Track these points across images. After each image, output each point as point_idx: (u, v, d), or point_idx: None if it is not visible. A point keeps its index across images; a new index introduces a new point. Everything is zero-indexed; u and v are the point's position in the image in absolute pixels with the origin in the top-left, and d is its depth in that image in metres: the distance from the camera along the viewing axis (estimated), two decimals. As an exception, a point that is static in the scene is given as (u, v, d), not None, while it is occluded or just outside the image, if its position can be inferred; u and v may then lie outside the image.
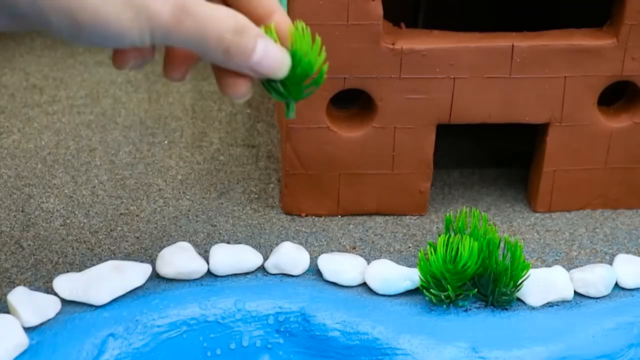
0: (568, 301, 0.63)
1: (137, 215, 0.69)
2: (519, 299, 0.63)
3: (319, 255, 0.65)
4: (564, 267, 0.66)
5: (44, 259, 0.65)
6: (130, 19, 0.46)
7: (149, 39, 0.47)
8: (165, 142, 0.79)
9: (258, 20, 0.52)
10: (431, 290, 0.61)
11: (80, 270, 0.62)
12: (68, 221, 0.68)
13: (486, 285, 0.62)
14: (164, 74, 0.53)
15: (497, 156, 0.79)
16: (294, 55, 0.53)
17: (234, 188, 0.73)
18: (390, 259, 0.66)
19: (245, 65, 0.51)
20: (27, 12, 0.46)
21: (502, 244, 0.66)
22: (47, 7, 0.45)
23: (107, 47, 0.48)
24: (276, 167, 0.76)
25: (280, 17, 0.53)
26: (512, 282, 0.61)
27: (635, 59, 0.66)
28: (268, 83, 0.54)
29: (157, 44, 0.48)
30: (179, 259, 0.63)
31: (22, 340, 0.56)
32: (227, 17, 0.50)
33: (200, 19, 0.48)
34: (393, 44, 0.64)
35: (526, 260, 0.62)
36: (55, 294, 0.60)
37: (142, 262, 0.63)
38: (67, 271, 0.63)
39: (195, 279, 0.63)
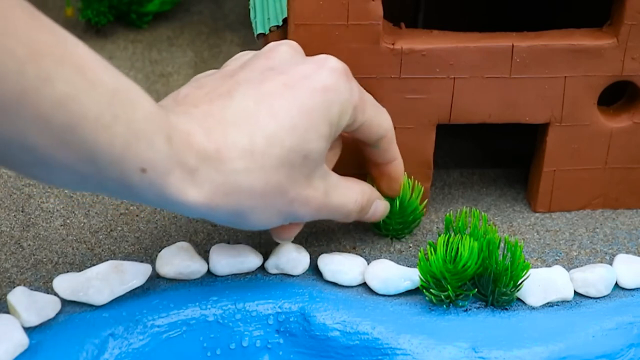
0: (568, 301, 0.63)
1: (137, 215, 0.69)
2: (519, 299, 0.63)
3: (319, 255, 0.65)
4: (564, 267, 0.66)
5: (44, 259, 0.65)
6: (277, 222, 0.57)
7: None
8: (165, 142, 0.78)
9: (380, 165, 0.64)
10: (431, 290, 0.61)
11: (80, 270, 0.62)
12: (68, 221, 0.68)
13: (486, 285, 0.62)
14: (273, 233, 0.62)
15: (497, 156, 0.79)
16: (400, 203, 0.66)
17: (234, 188, 0.73)
18: (390, 259, 0.66)
19: (357, 220, 0.63)
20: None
21: (502, 244, 0.66)
22: (214, 220, 0.56)
23: None
24: (276, 167, 0.76)
25: (394, 168, 0.64)
26: (512, 282, 0.61)
27: (635, 59, 0.66)
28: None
29: None
30: (179, 259, 0.63)
31: (22, 340, 0.56)
32: (355, 200, 0.61)
33: (334, 209, 0.59)
34: (393, 44, 0.64)
35: (526, 260, 0.62)
36: (55, 294, 0.60)
37: (142, 262, 0.63)
38: (67, 271, 0.63)
39: (195, 279, 0.63)
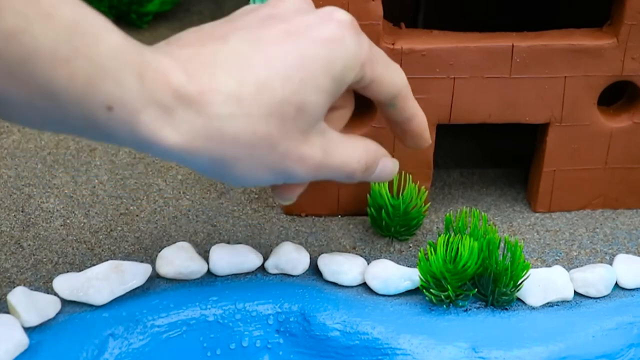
0: (568, 301, 0.63)
1: (137, 215, 0.69)
2: (519, 299, 0.63)
3: (319, 255, 0.65)
4: (564, 267, 0.66)
5: (44, 259, 0.65)
6: (268, 180, 0.53)
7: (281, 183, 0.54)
8: (165, 142, 0.79)
9: (400, 123, 0.59)
10: (431, 290, 0.61)
11: (80, 270, 0.62)
12: (68, 221, 0.68)
13: (486, 285, 0.62)
14: (273, 192, 0.58)
15: (497, 156, 0.79)
16: (405, 207, 0.66)
17: (234, 188, 0.73)
18: (390, 259, 0.66)
19: (364, 180, 0.58)
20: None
21: (502, 244, 0.66)
22: (196, 168, 0.52)
23: None
24: (276, 167, 0.76)
25: (420, 118, 0.59)
26: (512, 282, 0.61)
27: (635, 59, 0.66)
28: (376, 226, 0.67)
29: None
30: (179, 259, 0.63)
31: (22, 340, 0.56)
32: (359, 158, 0.56)
33: (335, 169, 0.55)
34: (393, 44, 0.64)
35: (526, 260, 0.62)
36: (55, 294, 0.60)
37: (142, 262, 0.63)
38: (67, 271, 0.63)
39: (195, 279, 0.63)
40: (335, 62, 0.52)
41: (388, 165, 0.59)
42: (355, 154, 0.56)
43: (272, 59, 0.50)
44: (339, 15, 0.53)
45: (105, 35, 0.47)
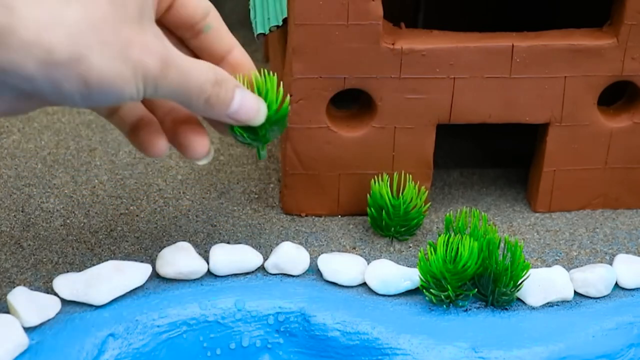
0: (568, 301, 0.63)
1: (137, 215, 0.69)
2: (519, 299, 0.63)
3: (319, 255, 0.65)
4: (564, 267, 0.66)
5: (44, 259, 0.65)
6: (128, 75, 0.51)
7: (142, 92, 0.52)
8: (165, 142, 0.79)
9: (219, 58, 0.58)
10: (431, 290, 0.61)
11: (80, 270, 0.62)
12: (68, 221, 0.68)
13: (486, 285, 0.62)
14: (189, 154, 0.59)
15: (497, 156, 0.79)
16: (405, 207, 0.64)
17: (234, 188, 0.73)
18: (390, 259, 0.66)
19: (224, 114, 0.57)
20: (41, 86, 0.50)
21: (502, 244, 0.66)
22: (61, 77, 0.50)
23: (109, 104, 0.54)
24: (276, 167, 0.76)
25: (239, 54, 0.59)
26: (512, 282, 0.61)
27: (635, 59, 0.66)
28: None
29: (148, 96, 0.53)
30: (179, 259, 0.63)
31: (22, 340, 0.56)
32: (208, 69, 0.55)
33: (183, 71, 0.53)
34: (393, 44, 0.64)
35: (526, 260, 0.62)
36: (55, 294, 0.60)
37: (142, 262, 0.63)
38: (67, 271, 0.63)
39: (195, 279, 0.63)
40: None
41: (249, 99, 0.57)
42: (202, 65, 0.55)
43: None
44: None
45: None
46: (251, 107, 0.57)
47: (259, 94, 0.58)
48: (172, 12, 0.57)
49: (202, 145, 0.59)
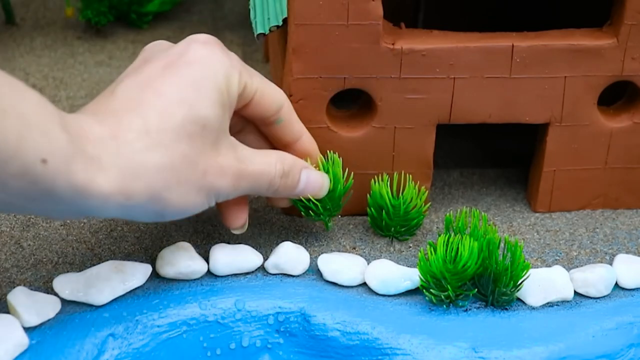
0: (568, 301, 0.63)
1: (137, 215, 0.69)
2: (519, 299, 0.63)
3: (319, 255, 0.65)
4: (564, 267, 0.66)
5: (44, 259, 0.65)
6: (202, 201, 0.57)
7: (214, 204, 0.58)
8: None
9: (287, 145, 0.63)
10: (431, 290, 0.61)
11: (80, 270, 0.62)
12: (68, 221, 0.68)
13: (486, 285, 0.62)
14: (226, 223, 0.63)
15: (497, 156, 0.79)
16: (405, 207, 0.65)
17: (234, 188, 0.73)
18: (390, 259, 0.66)
19: (291, 194, 0.63)
20: (115, 215, 0.55)
21: (502, 244, 0.66)
22: (137, 213, 0.55)
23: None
24: (276, 167, 0.76)
25: (306, 142, 0.64)
26: (512, 282, 0.61)
27: (635, 59, 0.66)
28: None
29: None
30: (179, 259, 0.63)
31: (22, 340, 0.56)
32: (276, 163, 0.60)
33: (254, 177, 0.59)
34: (393, 44, 0.64)
35: (526, 260, 0.62)
36: (55, 294, 0.60)
37: (142, 262, 0.63)
38: (67, 271, 0.63)
39: (195, 279, 0.63)
40: (215, 75, 0.57)
41: (314, 177, 0.63)
42: (270, 160, 0.60)
43: (161, 90, 0.55)
44: (202, 38, 0.58)
45: (29, 93, 0.50)
46: (316, 184, 0.63)
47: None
48: (249, 108, 0.60)
49: (240, 218, 0.63)
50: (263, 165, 0.59)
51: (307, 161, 0.63)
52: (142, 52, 0.60)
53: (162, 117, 0.54)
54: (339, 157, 0.66)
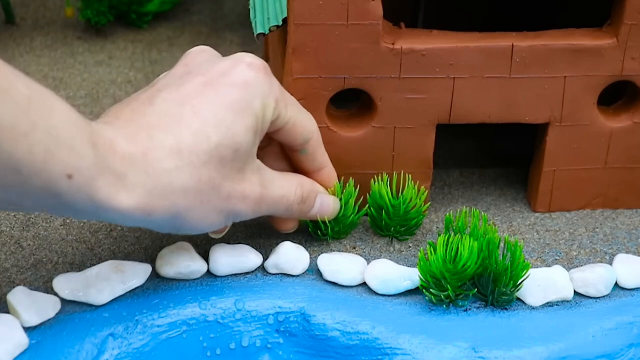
0: (568, 301, 0.63)
1: (137, 215, 0.69)
2: (519, 299, 0.63)
3: (319, 255, 0.65)
4: (564, 267, 0.66)
5: (44, 259, 0.65)
6: (220, 221, 0.57)
7: (231, 224, 0.60)
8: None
9: (307, 173, 0.64)
10: (431, 290, 0.61)
11: (80, 270, 0.62)
12: (68, 221, 0.68)
13: (486, 285, 0.62)
14: (276, 227, 0.65)
15: (497, 156, 0.79)
16: (405, 207, 0.66)
17: (234, 188, 0.73)
18: (390, 259, 0.66)
19: (303, 217, 0.64)
20: (132, 224, 0.56)
21: (502, 244, 0.66)
22: (154, 226, 0.56)
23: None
24: (276, 167, 0.76)
25: (326, 174, 0.64)
26: (512, 282, 0.61)
27: (635, 59, 0.66)
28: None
29: None
30: (179, 259, 0.63)
31: (22, 340, 0.56)
32: (296, 189, 0.61)
33: (274, 202, 0.60)
34: (393, 44, 0.64)
35: (526, 260, 0.62)
36: (55, 294, 0.60)
37: (142, 262, 0.63)
38: (67, 271, 0.63)
39: (195, 279, 0.63)
40: (254, 101, 0.56)
41: (328, 202, 0.64)
42: (291, 187, 0.61)
43: (199, 110, 0.55)
44: (249, 59, 0.58)
45: (59, 107, 0.50)
46: (328, 209, 0.64)
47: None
48: (278, 134, 0.61)
49: (291, 222, 0.65)
50: (284, 191, 0.60)
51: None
52: (185, 57, 0.60)
53: (197, 139, 0.54)
54: (339, 157, 0.66)
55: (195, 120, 0.54)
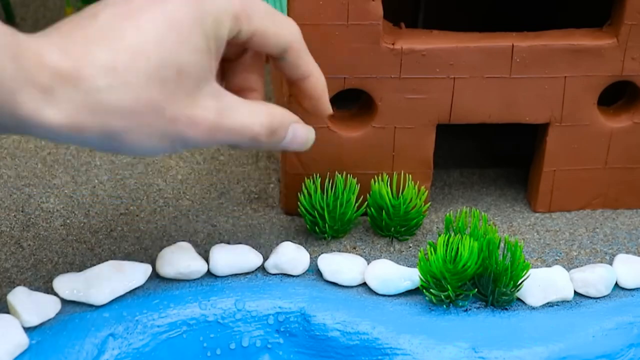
0: (568, 301, 0.63)
1: (137, 215, 0.69)
2: (519, 299, 0.63)
3: (319, 255, 0.65)
4: (564, 267, 0.66)
5: (44, 259, 0.65)
6: (164, 147, 0.53)
7: (181, 151, 0.55)
8: (165, 142, 0.78)
9: (296, 82, 0.59)
10: (431, 290, 0.61)
11: (80, 270, 0.62)
12: (68, 221, 0.68)
13: (486, 285, 0.62)
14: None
15: (497, 156, 0.79)
16: (405, 207, 0.66)
17: (234, 188, 0.73)
18: (390, 259, 0.66)
19: (274, 149, 0.59)
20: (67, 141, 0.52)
21: (502, 244, 0.66)
22: (89, 143, 0.51)
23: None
24: (276, 167, 0.76)
25: (315, 78, 0.59)
26: (512, 282, 0.61)
27: (635, 59, 0.66)
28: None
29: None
30: (179, 259, 0.63)
31: (22, 340, 0.56)
32: (262, 122, 0.56)
33: (233, 132, 0.54)
34: (393, 44, 0.64)
35: (526, 260, 0.62)
36: (55, 294, 0.60)
37: (142, 262, 0.63)
38: (67, 271, 0.63)
39: (195, 279, 0.63)
40: (204, 18, 0.52)
41: (300, 131, 0.59)
42: (257, 117, 0.56)
43: (142, 26, 0.51)
44: None
45: None
46: (300, 139, 0.59)
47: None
48: (249, 46, 0.56)
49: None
50: (247, 121, 0.55)
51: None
52: None
53: (135, 57, 0.50)
54: (339, 157, 0.66)
55: (135, 37, 0.50)
